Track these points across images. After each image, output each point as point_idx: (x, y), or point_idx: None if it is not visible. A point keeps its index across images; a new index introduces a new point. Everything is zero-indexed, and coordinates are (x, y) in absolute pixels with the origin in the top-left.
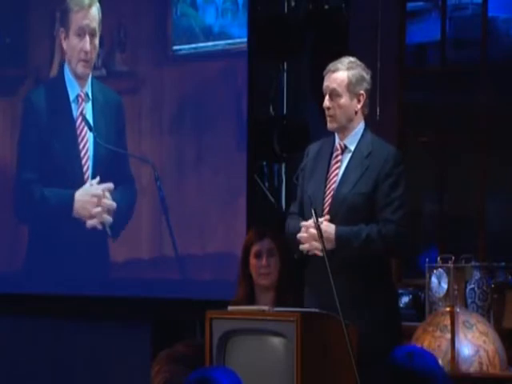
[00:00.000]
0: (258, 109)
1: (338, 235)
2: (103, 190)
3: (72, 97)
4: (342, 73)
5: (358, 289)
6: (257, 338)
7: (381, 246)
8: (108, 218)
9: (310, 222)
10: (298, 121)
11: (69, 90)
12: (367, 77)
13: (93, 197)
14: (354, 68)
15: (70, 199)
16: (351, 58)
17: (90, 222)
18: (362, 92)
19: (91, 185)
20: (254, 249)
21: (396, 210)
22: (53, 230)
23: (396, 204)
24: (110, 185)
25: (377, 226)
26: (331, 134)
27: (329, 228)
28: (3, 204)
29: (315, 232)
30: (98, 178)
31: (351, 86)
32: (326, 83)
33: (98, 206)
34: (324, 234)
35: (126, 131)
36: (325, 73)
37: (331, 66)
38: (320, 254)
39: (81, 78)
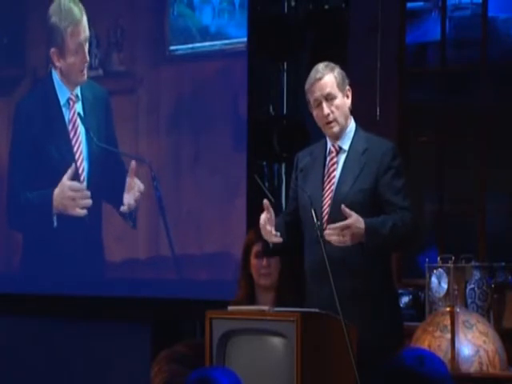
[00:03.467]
0: (257, 109)
1: (367, 227)
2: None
3: (63, 101)
4: (329, 76)
5: (358, 289)
6: (257, 337)
7: (405, 232)
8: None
9: (335, 224)
10: (297, 121)
11: (59, 94)
12: (344, 73)
13: (69, 190)
14: (334, 68)
15: (49, 197)
16: (324, 62)
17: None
18: (348, 87)
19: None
20: (255, 249)
21: (405, 198)
22: (52, 230)
23: (403, 193)
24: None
25: (396, 214)
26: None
27: (358, 223)
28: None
29: (339, 226)
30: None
31: (341, 85)
32: (316, 94)
33: (74, 197)
34: (355, 229)
35: (124, 131)
36: (309, 86)
37: (314, 75)
38: (342, 244)
39: (75, 84)
